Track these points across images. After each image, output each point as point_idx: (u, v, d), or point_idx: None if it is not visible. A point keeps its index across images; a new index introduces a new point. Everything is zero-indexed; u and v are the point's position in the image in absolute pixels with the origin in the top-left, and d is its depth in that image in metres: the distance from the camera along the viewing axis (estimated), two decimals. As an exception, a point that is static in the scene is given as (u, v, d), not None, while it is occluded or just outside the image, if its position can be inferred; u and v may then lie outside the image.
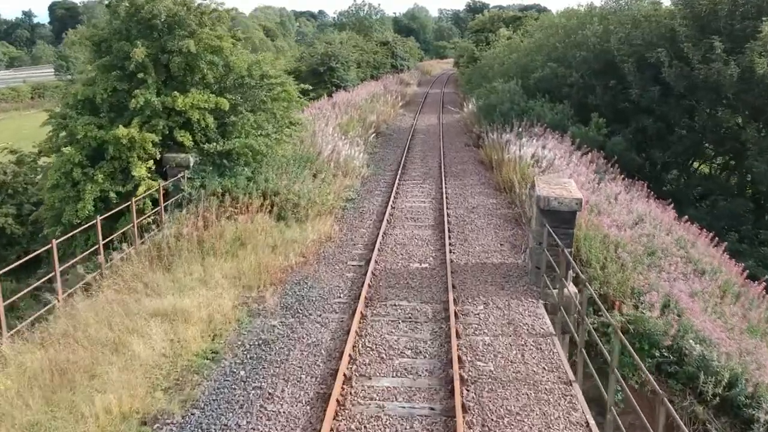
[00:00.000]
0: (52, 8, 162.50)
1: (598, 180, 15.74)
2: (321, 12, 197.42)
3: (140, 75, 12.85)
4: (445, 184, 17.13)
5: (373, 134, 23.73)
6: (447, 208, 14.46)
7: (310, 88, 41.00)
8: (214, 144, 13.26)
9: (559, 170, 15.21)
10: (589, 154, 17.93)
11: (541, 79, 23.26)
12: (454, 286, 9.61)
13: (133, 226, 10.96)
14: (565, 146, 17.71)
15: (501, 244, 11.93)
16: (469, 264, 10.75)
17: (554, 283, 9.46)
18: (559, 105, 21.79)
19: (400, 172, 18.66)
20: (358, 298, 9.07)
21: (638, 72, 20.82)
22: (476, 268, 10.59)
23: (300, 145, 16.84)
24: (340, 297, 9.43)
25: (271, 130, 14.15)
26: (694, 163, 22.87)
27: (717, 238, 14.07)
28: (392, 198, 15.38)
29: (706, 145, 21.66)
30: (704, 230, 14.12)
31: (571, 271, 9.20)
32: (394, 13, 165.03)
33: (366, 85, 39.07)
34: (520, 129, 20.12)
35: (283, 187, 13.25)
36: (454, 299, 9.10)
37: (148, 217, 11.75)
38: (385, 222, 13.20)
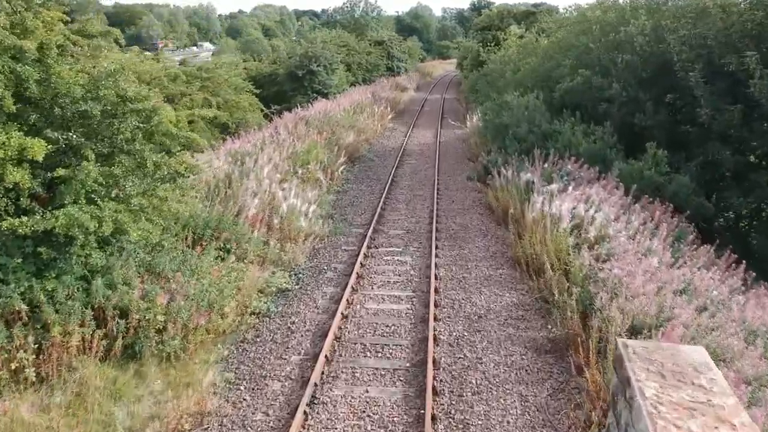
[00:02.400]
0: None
1: (676, 256, 9.90)
2: (324, 11, 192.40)
3: None
4: (437, 255, 11.28)
5: (343, 166, 17.80)
6: (436, 317, 8.62)
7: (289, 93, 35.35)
8: (25, 219, 7.46)
9: (619, 252, 9.33)
10: (653, 206, 12.05)
11: (569, 92, 17.34)
12: None
13: None
14: (617, 197, 11.79)
15: (536, 439, 6.08)
16: None
17: None
18: (598, 128, 15.90)
19: (372, 228, 12.80)
20: None
21: (708, 84, 14.93)
22: None
23: (209, 202, 11.00)
24: None
25: (135, 189, 8.30)
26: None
27: None
28: (349, 290, 9.54)
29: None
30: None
31: None
32: (397, 12, 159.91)
33: (353, 92, 33.27)
34: (546, 164, 14.26)
35: (138, 299, 7.40)
36: None
37: None
38: (320, 361, 7.34)
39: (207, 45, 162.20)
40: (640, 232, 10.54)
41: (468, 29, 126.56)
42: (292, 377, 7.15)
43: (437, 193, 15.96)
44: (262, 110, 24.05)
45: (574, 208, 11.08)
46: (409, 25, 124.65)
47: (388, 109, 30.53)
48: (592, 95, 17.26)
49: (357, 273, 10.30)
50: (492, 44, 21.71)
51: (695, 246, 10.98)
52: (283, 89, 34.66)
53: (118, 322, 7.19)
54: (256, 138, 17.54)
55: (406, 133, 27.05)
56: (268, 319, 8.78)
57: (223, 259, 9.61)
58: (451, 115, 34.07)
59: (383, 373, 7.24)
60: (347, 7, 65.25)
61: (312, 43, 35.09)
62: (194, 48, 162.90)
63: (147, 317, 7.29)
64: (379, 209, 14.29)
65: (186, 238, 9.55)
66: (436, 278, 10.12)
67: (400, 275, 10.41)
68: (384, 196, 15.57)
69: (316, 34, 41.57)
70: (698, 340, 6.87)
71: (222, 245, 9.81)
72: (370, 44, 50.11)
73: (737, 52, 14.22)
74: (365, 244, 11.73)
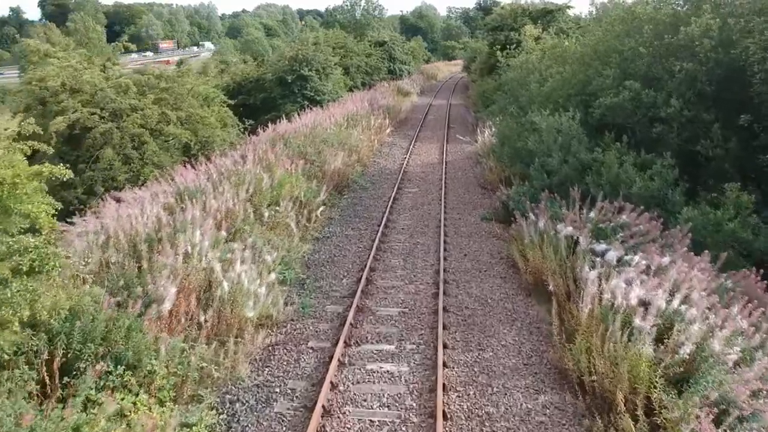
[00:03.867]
0: (42, 4, 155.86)
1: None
2: (328, 10, 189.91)
3: None
4: (446, 363, 7.66)
5: (323, 207, 14.10)
6: None
7: (280, 97, 31.68)
8: None
9: (743, 399, 5.74)
10: (749, 280, 8.45)
11: (611, 109, 13.70)
12: None
13: None
14: (703, 273, 8.14)
15: None
16: None
17: None
18: (650, 156, 12.25)
19: (355, 305, 9.20)
20: None
21: (801, 102, 11.34)
22: None
23: (108, 286, 7.39)
24: None
25: None
26: None
27: None
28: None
29: None
30: None
31: None
32: (401, 11, 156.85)
33: (349, 100, 29.69)
34: (592, 212, 10.62)
35: None
36: None
37: None
38: None
39: (209, 45, 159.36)
40: (749, 337, 6.94)
41: (474, 29, 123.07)
42: None
43: (444, 242, 12.35)
44: (238, 125, 20.45)
45: (649, 297, 7.45)
46: (413, 25, 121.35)
47: (387, 120, 26.93)
48: (641, 114, 13.60)
49: (323, 406, 6.70)
50: (512, 47, 18.19)
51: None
52: (272, 96, 31.13)
53: None
54: (219, 165, 13.98)
55: (407, 149, 23.44)
56: None
57: (111, 390, 6.04)
58: (458, 125, 30.49)
59: None
60: (347, 5, 61.67)
61: (304, 44, 31.49)
62: (194, 48, 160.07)
63: None
64: (367, 269, 10.68)
65: (51, 362, 6.00)
66: (445, 418, 6.51)
67: (389, 407, 6.79)
68: (375, 245, 11.96)
69: (308, 35, 37.93)
70: None
71: (110, 368, 6.24)
72: (370, 45, 46.49)
73: None
74: (342, 338, 8.13)
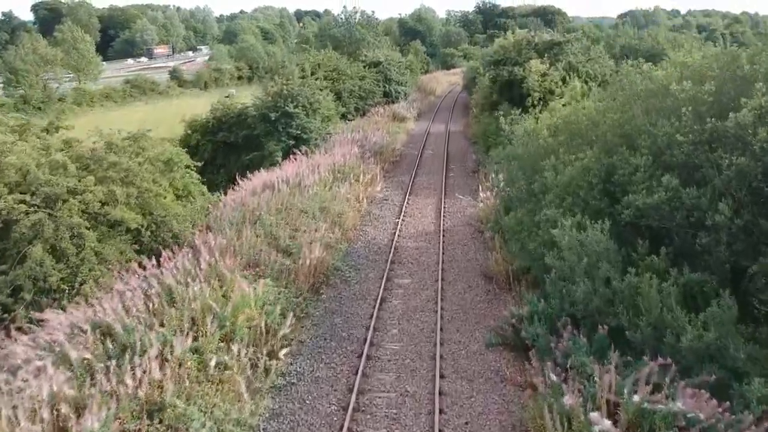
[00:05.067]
0: (35, 8, 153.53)
1: None
2: (327, 11, 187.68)
3: None
4: None
5: (285, 345, 11.34)
6: None
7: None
8: None
9: None
10: None
11: (645, 212, 11.13)
12: None
13: None
14: None
15: None
16: None
17: None
18: (708, 290, 9.69)
19: None
20: None
21: None
22: None
23: None
24: None
25: None
26: None
27: None
28: None
29: None
30: None
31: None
32: (399, 14, 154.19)
33: (337, 143, 27.15)
34: (634, 398, 8.04)
35: None
36: None
37: None
38: None
39: (206, 50, 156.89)
40: None
41: (473, 33, 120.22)
42: None
43: (440, 393, 9.76)
44: (204, 194, 17.83)
45: None
46: (412, 28, 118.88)
47: (379, 168, 24.35)
48: (681, 217, 11.00)
49: None
50: (517, 110, 15.78)
51: None
52: (254, 133, 28.67)
53: None
54: (164, 276, 11.39)
55: (400, 208, 20.83)
56: None
57: None
58: (457, 164, 28.02)
59: None
60: (341, 18, 59.06)
61: (288, 79, 28.92)
62: (190, 53, 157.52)
63: None
64: (338, 455, 8.14)
65: None
66: None
67: None
68: (352, 404, 9.38)
69: (292, 69, 35.28)
70: None
71: None
72: (364, 66, 43.93)
73: None
74: None
